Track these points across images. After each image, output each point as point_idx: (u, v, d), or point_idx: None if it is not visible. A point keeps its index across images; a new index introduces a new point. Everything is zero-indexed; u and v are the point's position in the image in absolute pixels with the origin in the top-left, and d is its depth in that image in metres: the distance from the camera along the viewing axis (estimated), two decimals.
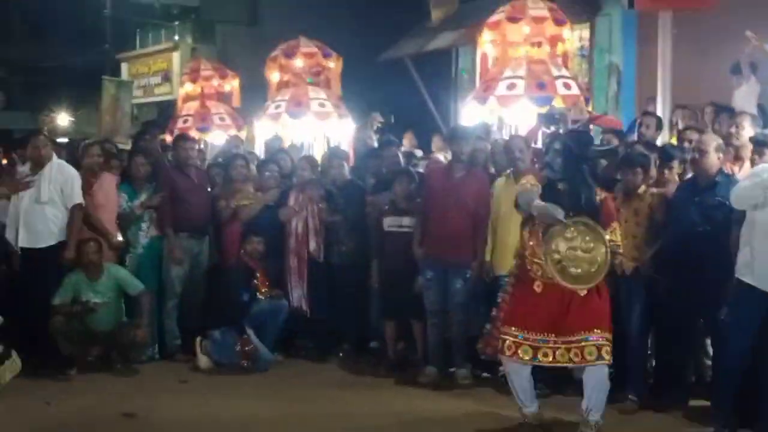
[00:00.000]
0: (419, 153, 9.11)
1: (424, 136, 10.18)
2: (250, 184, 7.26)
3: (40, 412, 5.39)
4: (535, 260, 4.68)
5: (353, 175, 7.27)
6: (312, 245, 6.91)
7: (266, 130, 9.51)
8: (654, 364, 5.76)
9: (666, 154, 5.69)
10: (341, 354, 6.80)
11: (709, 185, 5.20)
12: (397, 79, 12.50)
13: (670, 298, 5.30)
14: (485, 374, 6.07)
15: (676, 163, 5.64)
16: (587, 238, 4.57)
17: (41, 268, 6.25)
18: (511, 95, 7.98)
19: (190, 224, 6.89)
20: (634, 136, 6.84)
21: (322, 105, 9.39)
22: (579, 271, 4.55)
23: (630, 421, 5.14)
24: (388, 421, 5.16)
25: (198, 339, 6.59)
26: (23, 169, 6.55)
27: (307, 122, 9.33)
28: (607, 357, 4.58)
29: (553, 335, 4.60)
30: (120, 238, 6.80)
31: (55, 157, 6.60)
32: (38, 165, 6.43)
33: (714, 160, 5.17)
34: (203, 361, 6.49)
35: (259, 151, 9.23)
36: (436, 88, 12.23)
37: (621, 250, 4.80)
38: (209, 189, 7.31)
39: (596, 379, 4.65)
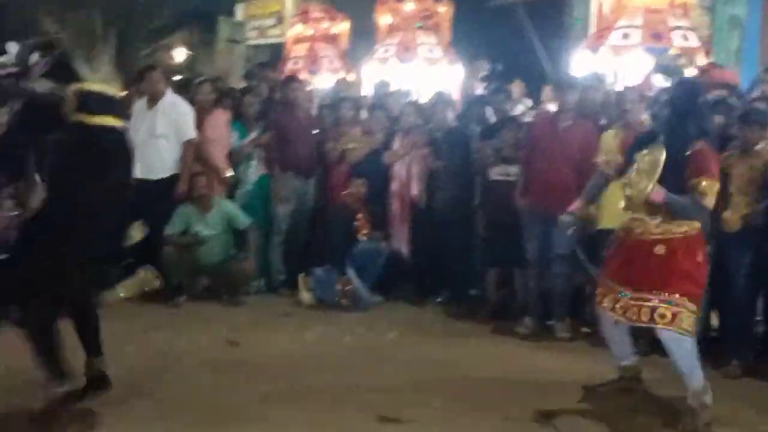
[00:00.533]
0: (529, 102, 8.94)
1: (535, 85, 9.94)
2: (358, 128, 7.32)
3: (147, 337, 5.63)
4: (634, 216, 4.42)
5: (459, 122, 7.22)
6: (415, 190, 6.95)
7: (374, 75, 9.52)
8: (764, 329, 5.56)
9: None
10: (441, 299, 6.85)
11: None
12: (507, 26, 12.23)
13: None
14: (585, 329, 5.99)
15: None
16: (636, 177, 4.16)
17: (155, 199, 6.50)
18: (625, 45, 7.72)
19: (296, 164, 7.03)
20: (757, 93, 6.50)
21: (431, 50, 9.31)
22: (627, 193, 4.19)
23: (732, 387, 4.95)
24: (480, 369, 5.15)
25: (301, 275, 6.76)
26: (140, 103, 6.78)
27: (415, 67, 9.29)
28: (684, 326, 4.08)
29: (630, 289, 4.25)
30: (230, 173, 7.00)
31: (169, 92, 6.82)
32: (154, 99, 6.66)
33: None
34: (306, 296, 6.65)
35: (367, 94, 9.25)
36: (548, 36, 11.90)
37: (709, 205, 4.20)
38: (317, 131, 7.41)
39: (671, 347, 4.17)
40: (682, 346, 4.15)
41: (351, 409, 4.27)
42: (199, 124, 6.80)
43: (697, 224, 4.21)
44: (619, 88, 7.18)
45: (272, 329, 5.97)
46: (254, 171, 7.07)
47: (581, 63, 7.97)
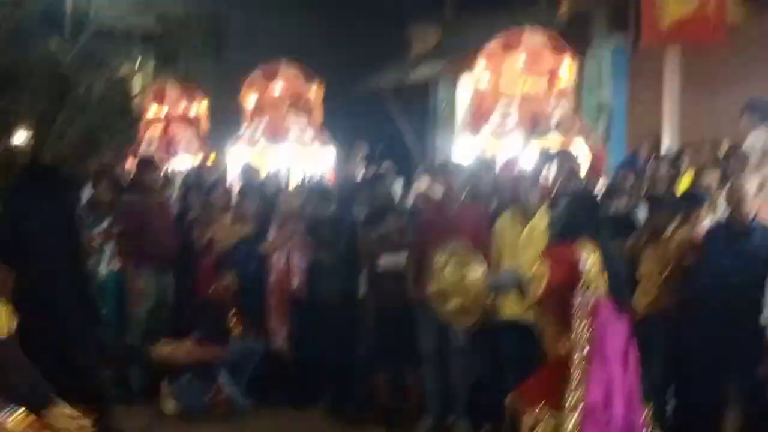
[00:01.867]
0: (399, 185, 8.71)
1: (403, 166, 9.78)
2: (228, 214, 6.74)
3: None
4: None
5: (340, 208, 6.78)
6: (295, 282, 6.39)
7: (241, 157, 8.99)
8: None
9: (694, 199, 5.34)
10: (326, 401, 6.23)
11: (744, 232, 4.84)
12: (376, 109, 12.14)
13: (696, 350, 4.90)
14: (486, 426, 5.57)
15: (704, 207, 5.28)
16: (458, 265, 4.03)
17: None
18: (504, 129, 7.67)
19: (155, 256, 6.35)
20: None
21: (302, 131, 8.95)
22: (456, 304, 4.02)
23: None
24: None
25: (164, 382, 5.99)
26: None
27: (286, 149, 8.86)
28: None
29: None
30: None
31: None
32: None
33: (751, 205, 4.83)
34: (169, 406, 5.89)
35: (233, 178, 8.70)
36: (416, 119, 11.93)
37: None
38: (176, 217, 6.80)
39: None
40: None
41: None
42: None
43: None
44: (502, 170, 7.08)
45: None
46: (104, 266, 6.33)
47: (462, 146, 7.84)
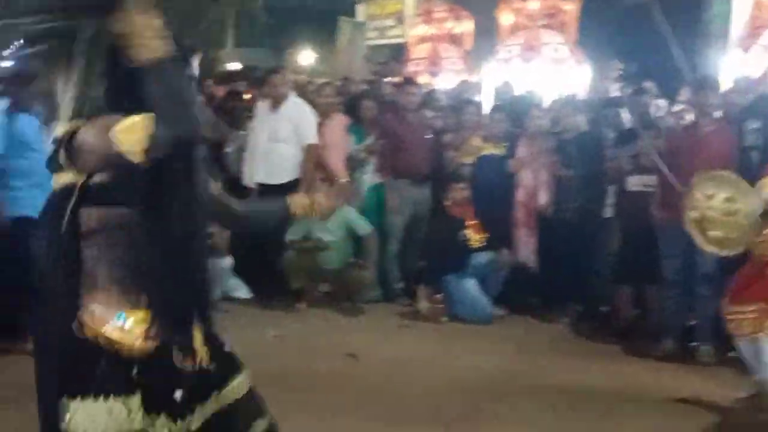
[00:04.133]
0: (662, 104, 8.42)
1: (668, 87, 9.39)
2: (479, 132, 7.04)
3: (266, 341, 5.57)
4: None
5: (591, 127, 6.83)
6: (542, 199, 6.61)
7: (496, 76, 9.19)
8: None
9: None
10: (568, 315, 6.47)
11: None
12: (639, 24, 11.60)
13: None
14: (732, 353, 5.51)
15: None
16: (731, 197, 4.05)
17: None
18: None
19: (410, 171, 6.79)
20: None
21: (556, 50, 8.92)
22: (718, 234, 4.08)
23: None
24: (609, 393, 4.77)
25: (419, 285, 6.54)
26: (263, 106, 6.72)
27: (539, 68, 8.91)
28: None
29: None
30: (346, 180, 6.85)
31: (293, 95, 6.73)
32: (277, 103, 6.58)
33: None
34: (423, 306, 6.42)
35: (488, 97, 8.95)
36: (684, 34, 11.23)
37: None
38: (433, 135, 7.18)
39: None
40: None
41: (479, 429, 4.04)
42: (318, 128, 6.68)
43: None
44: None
45: (389, 339, 5.79)
46: (369, 178, 6.88)
47: (730, 63, 7.41)
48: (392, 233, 6.81)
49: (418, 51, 11.11)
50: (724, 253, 4.25)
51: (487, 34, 10.65)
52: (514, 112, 7.25)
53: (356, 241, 6.67)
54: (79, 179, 2.02)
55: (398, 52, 11.89)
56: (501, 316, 6.44)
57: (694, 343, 5.56)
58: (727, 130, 5.62)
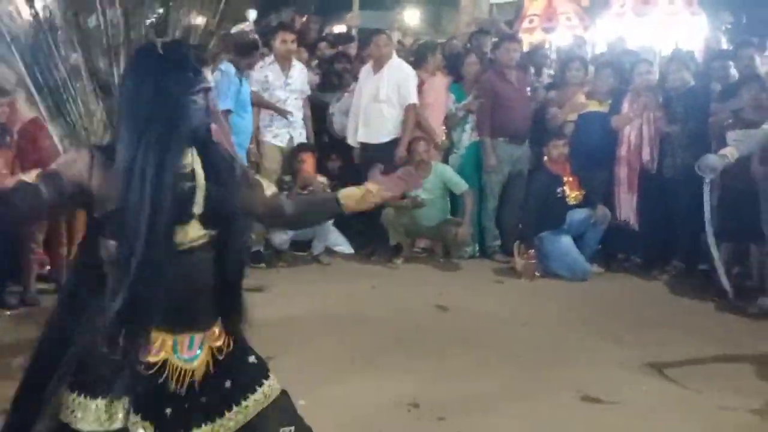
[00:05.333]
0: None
1: None
2: (584, 89, 6.97)
3: (365, 293, 5.83)
4: None
5: (698, 81, 6.64)
6: (645, 155, 6.51)
7: (609, 31, 9.00)
8: None
9: None
10: (669, 272, 6.41)
11: None
12: None
13: None
14: None
15: None
16: None
17: (376, 163, 6.63)
18: None
19: (509, 130, 6.82)
20: None
21: (671, 2, 8.61)
22: None
23: None
24: (703, 353, 4.72)
25: (517, 242, 6.61)
26: (366, 67, 6.92)
27: (653, 22, 8.64)
28: None
29: None
30: (444, 138, 6.97)
31: (395, 56, 6.89)
32: (379, 64, 6.77)
33: None
34: (520, 263, 6.50)
35: (600, 52, 8.78)
36: None
37: None
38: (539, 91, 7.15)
39: None
40: None
41: (556, 386, 4.13)
42: (420, 88, 6.82)
43: None
44: None
45: (483, 294, 5.92)
46: (467, 136, 6.96)
47: None
48: (490, 191, 6.90)
49: (534, 7, 10.93)
50: None
51: None
52: (622, 67, 7.15)
53: (454, 198, 6.81)
54: None
55: (521, 10, 11.74)
56: (598, 274, 6.44)
57: None
58: None
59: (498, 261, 6.79)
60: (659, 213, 6.51)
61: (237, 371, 2.23)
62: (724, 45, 7.34)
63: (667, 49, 8.46)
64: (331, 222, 6.71)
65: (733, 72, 6.51)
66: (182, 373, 2.14)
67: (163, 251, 2.00)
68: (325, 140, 7.29)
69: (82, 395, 2.08)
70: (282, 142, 6.71)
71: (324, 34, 9.42)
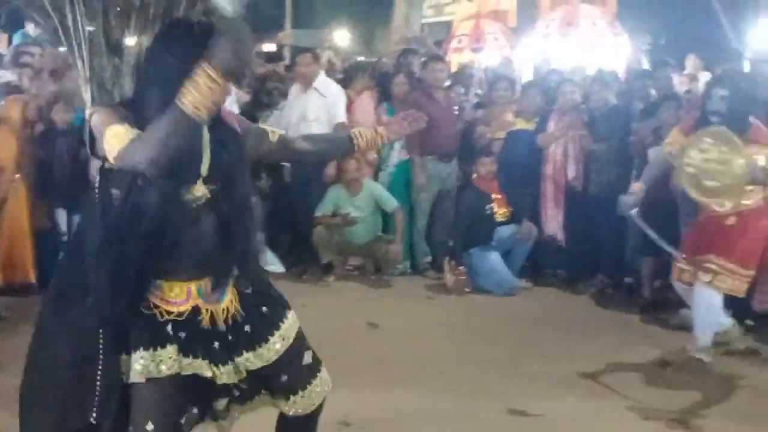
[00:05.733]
0: (706, 76, 8.31)
1: (714, 59, 9.25)
2: (511, 108, 7.11)
3: (295, 311, 5.77)
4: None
5: (621, 100, 6.84)
6: (571, 173, 6.67)
7: (534, 52, 9.22)
8: None
9: None
10: (595, 286, 6.55)
11: None
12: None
13: None
14: (749, 321, 5.54)
15: None
16: (723, 148, 4.35)
17: (304, 181, 6.66)
18: None
19: (437, 148, 6.88)
20: None
21: (594, 24, 8.88)
22: (715, 183, 4.39)
23: None
24: (629, 363, 4.86)
25: (447, 258, 6.68)
26: (296, 87, 6.94)
27: (577, 43, 8.89)
28: (720, 285, 4.55)
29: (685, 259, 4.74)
30: (374, 156, 7.02)
31: (323, 75, 6.92)
32: (307, 83, 6.79)
33: None
34: (450, 279, 6.55)
35: (527, 72, 8.98)
36: (727, 5, 11.00)
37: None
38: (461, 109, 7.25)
39: (697, 298, 4.68)
40: (703, 299, 4.64)
41: (483, 401, 4.18)
42: (349, 107, 6.86)
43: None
44: None
45: (416, 311, 5.96)
46: (396, 154, 7.02)
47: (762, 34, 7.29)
48: (420, 209, 6.95)
49: (463, 27, 11.15)
50: (719, 203, 4.55)
51: (530, 9, 10.65)
52: (548, 87, 7.31)
53: (385, 216, 6.85)
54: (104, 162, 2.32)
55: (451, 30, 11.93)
56: (526, 288, 6.55)
57: None
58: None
59: (429, 278, 6.84)
60: (585, 229, 6.65)
61: (266, 299, 2.59)
62: (646, 65, 7.55)
63: (592, 69, 8.72)
64: (261, 241, 6.68)
65: (653, 92, 6.72)
66: (215, 312, 2.44)
67: (175, 205, 2.29)
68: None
69: (124, 353, 2.33)
70: None
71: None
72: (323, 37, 14.42)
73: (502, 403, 4.13)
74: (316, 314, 5.70)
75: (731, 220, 4.54)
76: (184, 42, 2.25)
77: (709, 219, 4.67)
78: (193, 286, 2.40)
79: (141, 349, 2.30)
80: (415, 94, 7.03)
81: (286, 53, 10.33)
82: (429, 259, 7.02)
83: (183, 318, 2.37)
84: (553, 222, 6.74)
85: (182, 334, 2.35)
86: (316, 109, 6.70)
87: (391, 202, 6.74)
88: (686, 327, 5.43)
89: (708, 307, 4.67)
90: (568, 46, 8.95)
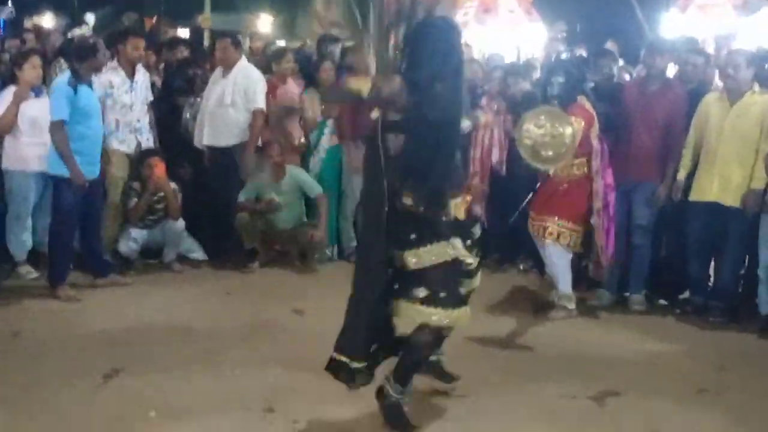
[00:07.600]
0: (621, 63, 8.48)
1: (630, 47, 9.47)
2: None
3: (219, 299, 5.78)
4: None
5: (539, 88, 6.95)
6: (495, 157, 6.76)
7: None
8: None
9: None
10: (517, 267, 6.74)
11: None
12: None
13: None
14: (662, 301, 5.77)
15: None
16: (555, 123, 5.01)
17: (224, 167, 6.58)
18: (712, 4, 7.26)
19: (363, 134, 6.87)
20: None
21: (512, 11, 9.01)
22: (550, 153, 5.02)
23: None
24: (545, 343, 5.00)
25: None
26: (217, 72, 6.83)
27: (495, 29, 9.00)
28: (564, 242, 5.39)
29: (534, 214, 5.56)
30: (303, 142, 6.98)
31: (243, 60, 6.83)
32: (227, 68, 6.68)
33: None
34: None
35: None
36: None
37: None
38: None
39: (549, 256, 5.46)
40: (554, 255, 5.46)
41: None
42: (272, 91, 6.79)
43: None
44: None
45: (341, 297, 5.94)
46: (327, 140, 7.00)
47: (670, 24, 7.53)
48: (351, 192, 6.90)
49: None
50: (552, 168, 5.31)
51: None
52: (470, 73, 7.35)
53: (310, 203, 6.82)
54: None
55: None
56: None
57: (627, 294, 5.81)
58: (674, 88, 5.81)
59: (354, 263, 6.81)
60: (507, 213, 6.76)
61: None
62: (563, 53, 7.70)
63: (510, 57, 8.84)
64: (183, 229, 6.57)
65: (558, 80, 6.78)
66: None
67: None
68: (175, 146, 7.10)
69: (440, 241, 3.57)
70: (129, 148, 6.50)
71: (163, 38, 9.13)
72: (244, 21, 14.22)
73: (426, 382, 4.16)
74: (241, 302, 5.70)
75: (564, 187, 5.38)
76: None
77: (549, 183, 5.50)
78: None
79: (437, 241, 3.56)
80: (342, 81, 6.99)
81: (206, 37, 10.13)
82: (355, 244, 7.00)
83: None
84: (477, 205, 6.81)
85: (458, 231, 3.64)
86: (234, 93, 6.60)
87: (315, 188, 6.71)
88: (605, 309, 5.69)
89: (559, 259, 5.44)
90: (486, 32, 9.04)
